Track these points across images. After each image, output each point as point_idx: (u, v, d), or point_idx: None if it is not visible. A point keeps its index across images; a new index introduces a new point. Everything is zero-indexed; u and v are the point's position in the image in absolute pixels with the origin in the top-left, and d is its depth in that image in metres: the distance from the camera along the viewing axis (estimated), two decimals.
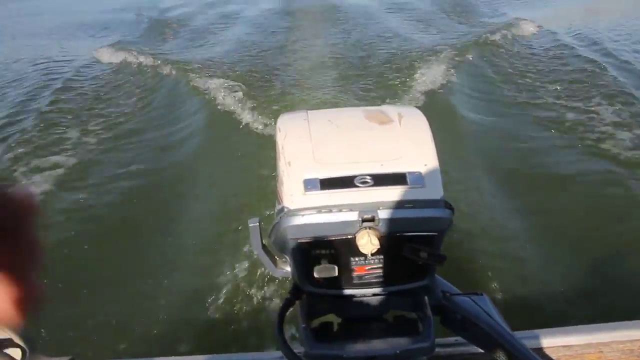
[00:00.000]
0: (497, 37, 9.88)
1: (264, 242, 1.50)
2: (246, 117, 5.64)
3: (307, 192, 1.29)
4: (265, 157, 4.21)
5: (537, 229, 3.71)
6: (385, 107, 1.55)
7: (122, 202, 4.39)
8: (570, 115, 5.67)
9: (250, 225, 1.45)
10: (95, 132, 6.02)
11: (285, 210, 1.31)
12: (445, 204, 1.29)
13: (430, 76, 6.73)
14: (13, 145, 5.68)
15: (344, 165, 1.31)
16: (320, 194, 1.28)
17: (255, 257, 2.00)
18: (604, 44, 9.36)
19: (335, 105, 5.79)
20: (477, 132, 5.34)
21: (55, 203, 4.39)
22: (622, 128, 5.31)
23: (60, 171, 5.01)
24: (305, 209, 1.27)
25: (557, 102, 6.16)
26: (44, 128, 6.18)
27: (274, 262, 1.55)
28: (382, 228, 1.25)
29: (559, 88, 6.73)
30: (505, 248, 3.41)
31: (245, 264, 3.10)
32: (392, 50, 9.17)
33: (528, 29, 11.13)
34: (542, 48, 9.43)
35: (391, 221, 1.25)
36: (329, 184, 1.28)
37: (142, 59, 9.34)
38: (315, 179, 1.29)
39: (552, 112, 5.82)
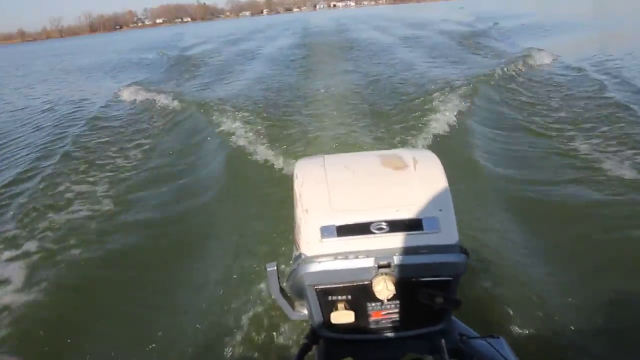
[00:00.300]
0: (512, 68, 9.93)
1: (281, 286, 1.51)
2: (265, 156, 5.64)
3: (323, 239, 1.30)
4: (283, 198, 4.14)
5: (556, 268, 3.53)
6: (400, 151, 1.57)
7: (140, 242, 4.37)
8: (588, 148, 5.58)
9: (268, 269, 1.48)
10: (117, 172, 6.09)
11: (303, 257, 1.32)
12: (460, 249, 1.29)
13: (446, 111, 6.71)
14: (37, 184, 5.78)
15: (360, 211, 1.32)
16: (337, 240, 1.29)
17: (273, 300, 1.80)
18: (620, 74, 9.36)
19: (351, 142, 5.79)
20: (494, 167, 5.23)
21: (72, 241, 4.41)
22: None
23: (80, 209, 5.08)
24: (322, 255, 1.29)
25: (576, 134, 6.09)
26: (64, 168, 6.29)
27: (292, 305, 1.57)
28: (398, 274, 1.26)
29: (577, 120, 6.66)
30: (523, 289, 3.29)
31: (263, 307, 3.08)
32: (409, 85, 9.24)
33: (543, 59, 11.17)
34: (557, 79, 9.43)
35: (407, 267, 1.26)
36: (345, 230, 1.29)
37: (162, 97, 9.57)
38: (332, 226, 1.30)
39: (571, 144, 5.71)
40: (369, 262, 1.26)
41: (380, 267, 1.26)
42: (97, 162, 6.49)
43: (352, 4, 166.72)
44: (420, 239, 1.27)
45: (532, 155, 5.53)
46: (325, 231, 1.31)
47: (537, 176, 5.01)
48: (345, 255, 1.27)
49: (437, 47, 15.00)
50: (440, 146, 5.58)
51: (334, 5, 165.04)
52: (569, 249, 3.72)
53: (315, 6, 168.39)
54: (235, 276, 3.50)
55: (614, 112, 6.88)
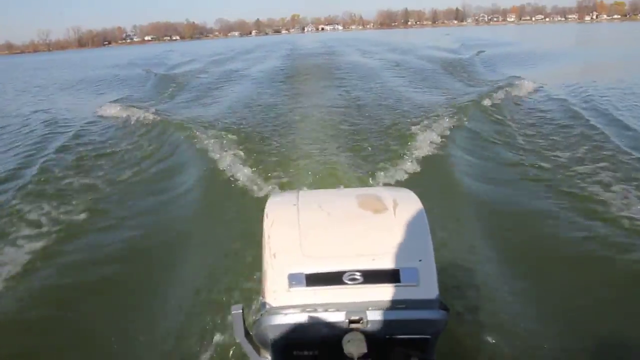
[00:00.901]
0: (495, 96, 9.92)
1: (247, 330, 1.42)
2: (243, 181, 5.47)
3: (291, 288, 1.22)
4: (256, 231, 4.09)
5: (546, 313, 3.24)
6: (379, 190, 1.51)
7: (108, 262, 4.19)
8: (572, 178, 5.52)
9: (233, 312, 1.37)
10: (91, 191, 5.94)
11: (267, 307, 1.24)
12: (440, 304, 1.22)
13: (428, 139, 6.64)
14: (11, 199, 5.60)
15: (333, 259, 1.24)
16: (306, 290, 1.21)
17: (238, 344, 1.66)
18: (600, 103, 9.44)
19: (330, 167, 5.66)
20: (477, 199, 5.10)
21: (38, 262, 4.21)
22: (625, 190, 5.14)
23: (51, 227, 4.89)
24: (289, 307, 1.21)
25: (558, 162, 6.06)
26: (42, 182, 6.16)
27: (258, 351, 1.45)
28: (371, 330, 1.17)
29: (558, 148, 6.66)
30: (511, 340, 2.96)
31: (229, 351, 2.80)
32: (392, 110, 9.17)
33: (525, 87, 11.26)
34: (539, 107, 9.48)
35: (381, 323, 1.17)
36: (315, 280, 1.21)
37: (144, 116, 9.35)
38: (300, 274, 1.22)
39: (555, 175, 5.65)
40: (340, 317, 1.18)
41: (351, 322, 1.18)
42: (73, 181, 6.29)
43: (340, 27, 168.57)
44: (397, 292, 1.19)
45: (518, 186, 5.44)
46: (294, 279, 1.22)
47: (523, 206, 4.91)
48: (314, 308, 1.19)
49: (422, 72, 15.05)
50: (420, 176, 5.45)
51: (322, 29, 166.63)
52: (562, 291, 3.46)
53: (303, 29, 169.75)
54: (198, 315, 3.23)
55: (592, 138, 6.98)
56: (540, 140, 7.10)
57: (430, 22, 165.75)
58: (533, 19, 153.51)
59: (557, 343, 2.94)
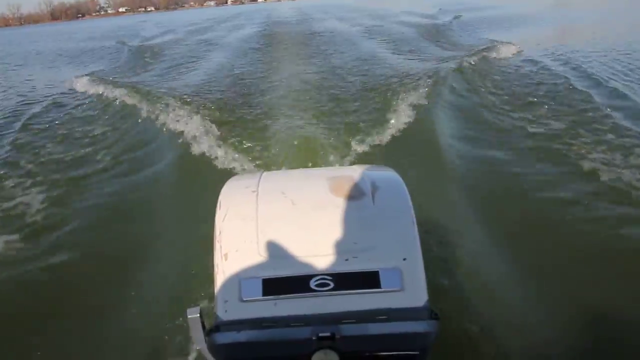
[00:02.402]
0: (476, 60, 9.60)
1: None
2: (217, 156, 5.08)
3: (245, 298, 1.00)
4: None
5: (557, 316, 2.76)
6: (356, 170, 1.27)
7: (70, 255, 3.74)
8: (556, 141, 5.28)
9: (189, 317, 1.05)
10: (59, 167, 5.62)
11: (218, 320, 1.01)
12: (429, 313, 0.99)
13: (408, 106, 6.34)
14: None
15: (298, 260, 1.01)
16: (263, 301, 0.98)
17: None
18: (580, 65, 9.18)
19: (305, 140, 5.29)
20: (467, 176, 4.71)
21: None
22: (610, 152, 4.88)
23: (17, 206, 4.59)
24: (242, 321, 0.97)
25: (541, 126, 5.83)
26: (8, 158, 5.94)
27: None
28: (345, 348, 0.92)
29: (540, 112, 6.44)
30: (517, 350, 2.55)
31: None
32: (370, 77, 8.86)
33: (507, 51, 10.86)
34: (522, 71, 9.17)
35: (357, 339, 0.93)
36: (275, 287, 0.98)
37: (116, 90, 8.74)
38: (256, 280, 0.99)
39: (552, 144, 5.27)
40: (305, 333, 0.94)
41: (320, 339, 0.93)
42: (39, 158, 5.98)
43: None
44: (376, 300, 0.98)
45: (508, 155, 5.07)
46: (248, 287, 1.00)
47: (522, 188, 4.33)
48: (274, 322, 0.96)
49: (400, 39, 14.59)
50: (400, 150, 5.12)
51: None
52: (573, 291, 2.92)
53: None
54: (161, 316, 2.80)
55: (578, 103, 6.68)
56: (533, 108, 6.78)
57: None
58: None
59: (570, 349, 2.54)
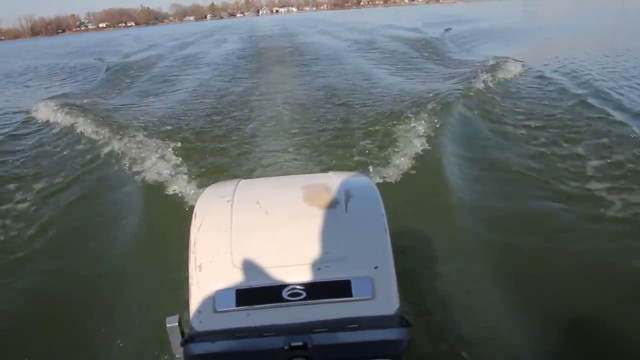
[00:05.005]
0: (482, 79, 8.54)
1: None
2: (188, 186, 4.50)
3: (219, 309, 1.01)
4: None
5: (528, 323, 2.73)
6: (330, 177, 1.28)
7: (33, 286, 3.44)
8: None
9: (168, 325, 1.08)
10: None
11: (192, 331, 1.01)
12: (401, 320, 1.00)
13: (410, 132, 5.53)
14: None
15: (270, 270, 1.02)
16: (236, 312, 1.00)
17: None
18: (590, 81, 8.29)
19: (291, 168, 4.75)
20: (466, 194, 4.31)
21: None
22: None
23: None
24: (216, 332, 0.98)
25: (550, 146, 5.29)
26: None
27: None
28: (318, 357, 0.94)
29: (550, 131, 5.81)
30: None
31: None
32: (359, 99, 7.83)
33: (511, 68, 9.70)
34: (532, 91, 8.15)
35: (329, 348, 0.94)
36: (248, 297, 1.00)
37: (84, 117, 7.42)
38: (230, 291, 1.01)
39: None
40: (278, 343, 0.94)
41: (293, 348, 0.94)
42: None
43: (294, 9, 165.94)
44: (348, 308, 0.99)
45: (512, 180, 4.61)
46: (222, 297, 1.01)
47: (494, 201, 4.23)
48: (247, 333, 0.96)
49: (391, 55, 13.45)
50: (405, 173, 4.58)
51: (277, 11, 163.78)
52: (544, 300, 2.91)
53: (258, 12, 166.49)
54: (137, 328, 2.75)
55: (596, 124, 5.95)
56: (541, 130, 5.96)
57: (382, 2, 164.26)
58: None
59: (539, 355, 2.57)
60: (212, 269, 1.02)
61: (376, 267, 1.00)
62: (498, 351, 2.58)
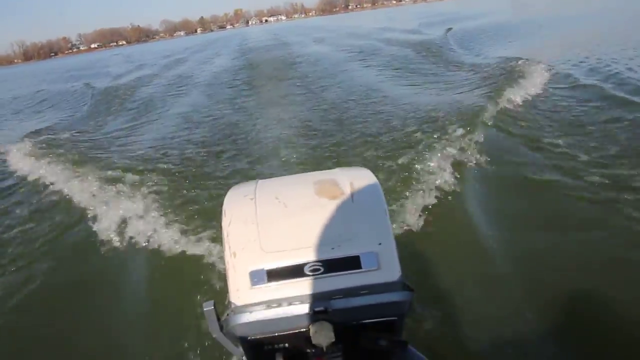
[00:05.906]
0: (505, 85, 7.54)
1: (222, 325, 1.23)
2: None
3: (254, 286, 1.15)
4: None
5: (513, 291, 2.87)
6: (336, 173, 1.40)
7: None
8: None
9: (205, 309, 1.22)
10: None
11: (232, 306, 1.18)
12: (403, 285, 1.15)
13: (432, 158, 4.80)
14: None
15: (293, 252, 1.17)
16: (268, 287, 1.15)
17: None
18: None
19: None
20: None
21: None
22: None
23: None
24: (253, 304, 1.14)
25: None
26: None
27: (236, 344, 1.29)
28: (337, 319, 1.13)
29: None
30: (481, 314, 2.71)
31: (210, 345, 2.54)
32: (374, 119, 6.83)
33: (536, 71, 8.57)
34: (566, 100, 7.13)
35: (346, 311, 1.13)
36: (277, 275, 1.15)
37: (61, 162, 6.33)
38: (261, 271, 1.15)
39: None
40: (304, 309, 1.13)
41: (316, 313, 1.12)
42: None
43: (284, 18, 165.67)
44: (358, 278, 1.14)
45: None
46: (255, 276, 1.16)
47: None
48: (279, 303, 1.13)
49: (398, 63, 12.25)
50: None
51: (266, 20, 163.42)
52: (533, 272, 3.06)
53: (247, 22, 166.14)
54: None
55: None
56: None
57: (370, 4, 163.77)
58: None
59: (524, 324, 2.69)
60: (244, 255, 1.15)
61: (380, 244, 1.14)
62: (502, 341, 2.63)
